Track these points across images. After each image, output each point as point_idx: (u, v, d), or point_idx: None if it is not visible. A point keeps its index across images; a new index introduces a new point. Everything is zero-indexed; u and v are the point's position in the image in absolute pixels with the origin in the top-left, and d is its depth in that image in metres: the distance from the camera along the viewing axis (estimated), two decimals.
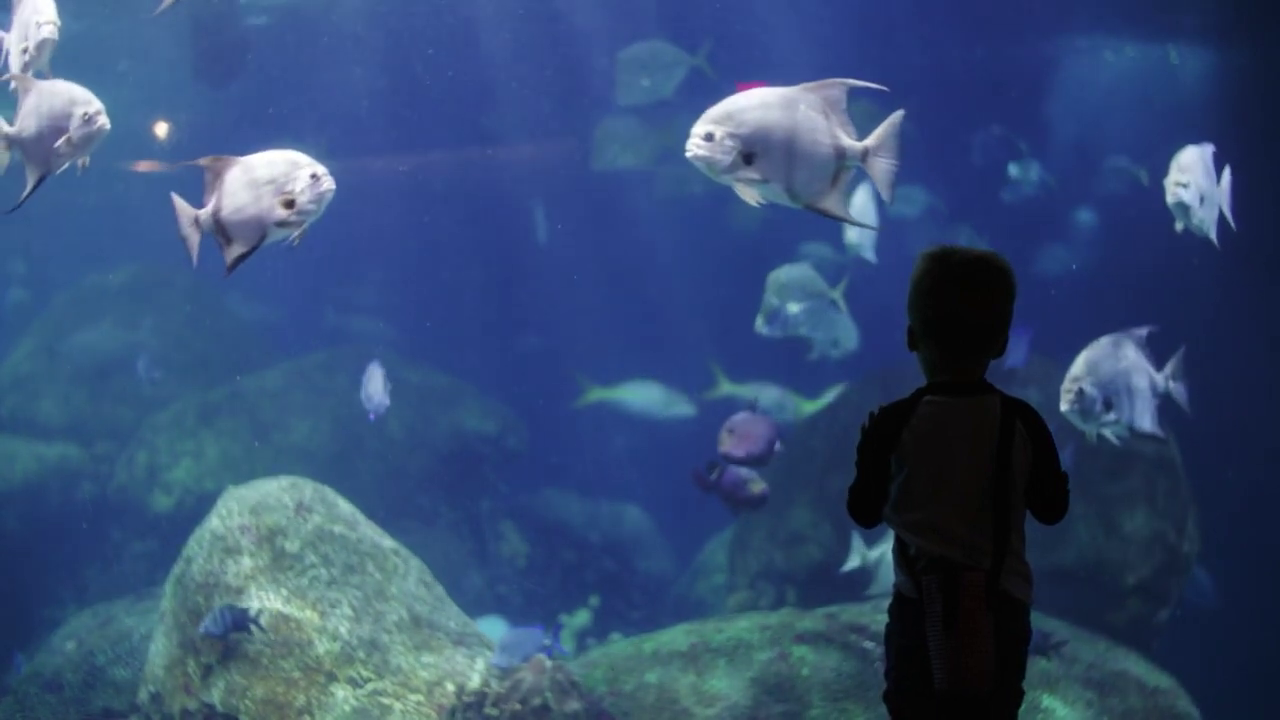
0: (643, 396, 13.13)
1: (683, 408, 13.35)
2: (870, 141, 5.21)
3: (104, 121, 5.84)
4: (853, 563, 9.42)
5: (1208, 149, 7.14)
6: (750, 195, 5.26)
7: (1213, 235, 7.16)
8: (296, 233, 5.42)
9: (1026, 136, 15.23)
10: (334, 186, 5.39)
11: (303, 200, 5.33)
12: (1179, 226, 7.14)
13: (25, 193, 6.05)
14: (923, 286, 3.75)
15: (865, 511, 3.83)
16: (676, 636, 8.76)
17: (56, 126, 5.86)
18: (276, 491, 8.73)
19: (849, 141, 5.21)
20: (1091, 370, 6.80)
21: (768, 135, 5.18)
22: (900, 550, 3.80)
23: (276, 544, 8.38)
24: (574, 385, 14.29)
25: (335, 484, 9.27)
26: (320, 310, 18.46)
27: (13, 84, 6.06)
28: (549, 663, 8.06)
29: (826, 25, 13.76)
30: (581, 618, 13.27)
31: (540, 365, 16.88)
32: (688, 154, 5.25)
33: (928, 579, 3.64)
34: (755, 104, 5.21)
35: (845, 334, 12.49)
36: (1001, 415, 3.71)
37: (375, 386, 10.11)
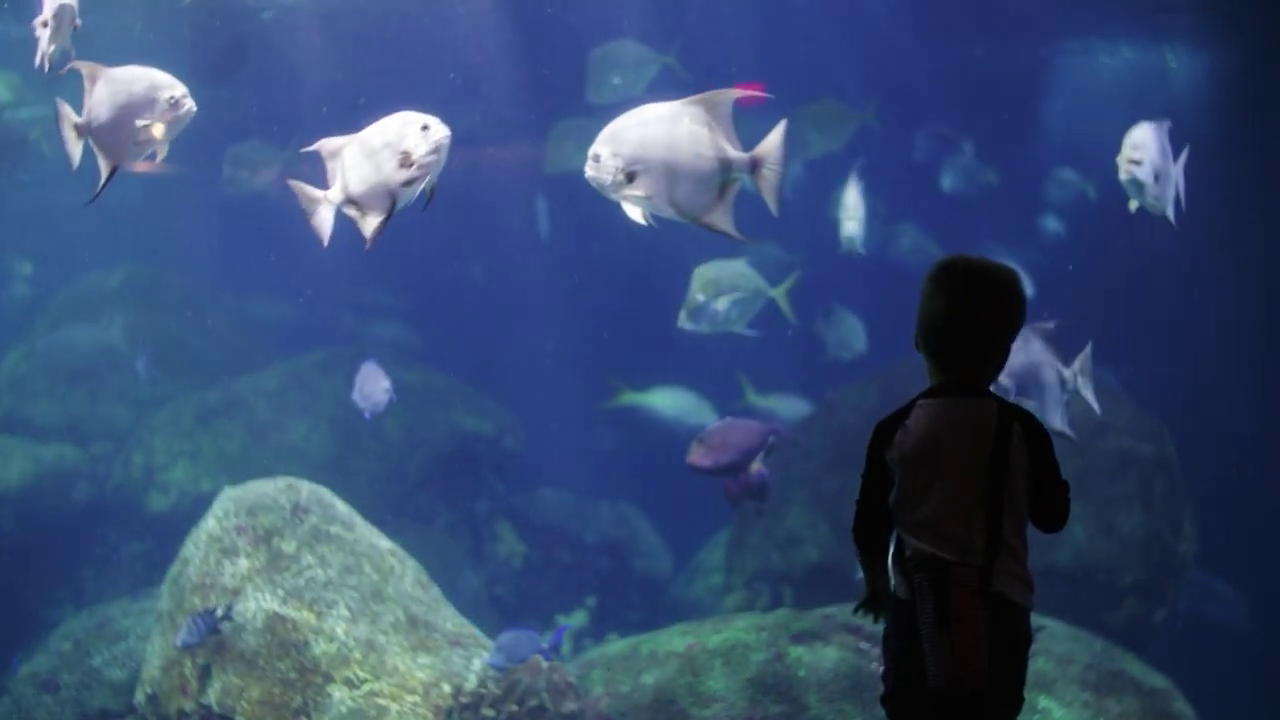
0: (673, 403, 13.06)
1: (710, 416, 13.32)
2: (757, 151, 5.17)
3: (191, 105, 5.68)
4: None
5: (1163, 125, 6.91)
6: (636, 213, 5.30)
7: (1169, 214, 6.95)
8: (423, 186, 5.35)
9: (1021, 139, 15.25)
10: (447, 132, 5.32)
11: (419, 154, 5.27)
12: (1133, 206, 6.92)
13: (100, 184, 5.85)
14: (926, 291, 3.82)
15: (867, 527, 3.85)
16: (673, 637, 8.76)
17: (136, 113, 5.64)
18: (273, 492, 8.73)
19: (733, 153, 5.17)
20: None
21: (647, 153, 5.21)
22: (896, 552, 3.82)
23: (273, 545, 8.38)
24: (570, 386, 14.26)
25: (332, 485, 9.28)
26: (336, 314, 18.35)
27: (47, 71, 5.86)
28: (545, 664, 8.06)
29: (824, 28, 13.77)
30: (578, 618, 13.27)
31: (543, 366, 16.86)
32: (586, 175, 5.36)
33: (919, 576, 3.66)
34: (637, 122, 5.26)
35: (854, 336, 12.49)
36: (998, 417, 3.72)
37: (371, 386, 10.11)
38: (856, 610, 4.02)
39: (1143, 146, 6.80)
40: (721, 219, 5.26)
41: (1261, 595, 12.21)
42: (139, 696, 8.42)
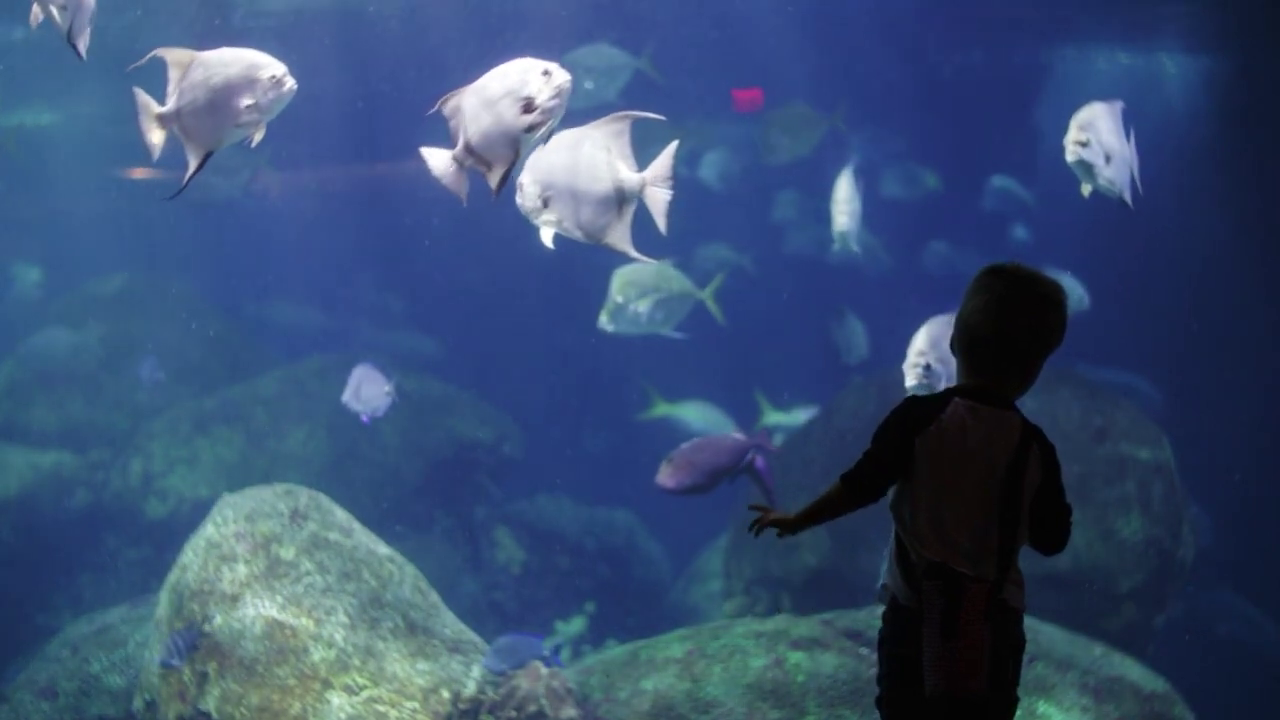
0: (701, 417, 13.06)
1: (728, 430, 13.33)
2: (647, 173, 5.39)
3: (292, 83, 5.54)
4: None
5: (1116, 105, 6.70)
6: (548, 237, 5.55)
7: (1126, 197, 6.73)
8: (543, 131, 5.31)
9: (1017, 143, 15.27)
10: (568, 77, 5.29)
11: (542, 99, 5.22)
12: (1085, 190, 6.76)
13: (189, 173, 5.69)
14: (968, 289, 3.85)
15: (866, 484, 3.80)
16: (672, 643, 8.75)
17: (235, 96, 5.49)
18: (271, 499, 8.73)
19: (626, 174, 5.39)
20: (935, 346, 6.56)
21: (554, 179, 5.48)
22: (899, 558, 3.80)
23: (271, 551, 8.38)
24: (575, 394, 14.25)
25: (330, 491, 9.27)
26: (353, 321, 18.30)
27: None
28: (544, 670, 8.06)
29: (822, 33, 13.80)
30: (577, 624, 13.26)
31: (550, 374, 16.86)
32: None
33: (930, 584, 3.65)
34: (550, 150, 5.46)
35: (858, 340, 12.50)
36: (1020, 435, 3.72)
37: (369, 389, 10.11)
38: (755, 525, 3.97)
39: (1090, 126, 6.57)
40: (620, 239, 5.49)
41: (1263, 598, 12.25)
42: (137, 703, 8.41)
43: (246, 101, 5.52)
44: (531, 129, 5.27)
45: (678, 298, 9.90)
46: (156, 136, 5.68)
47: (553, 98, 5.24)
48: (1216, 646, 11.67)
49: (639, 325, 9.77)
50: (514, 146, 5.30)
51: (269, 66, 5.54)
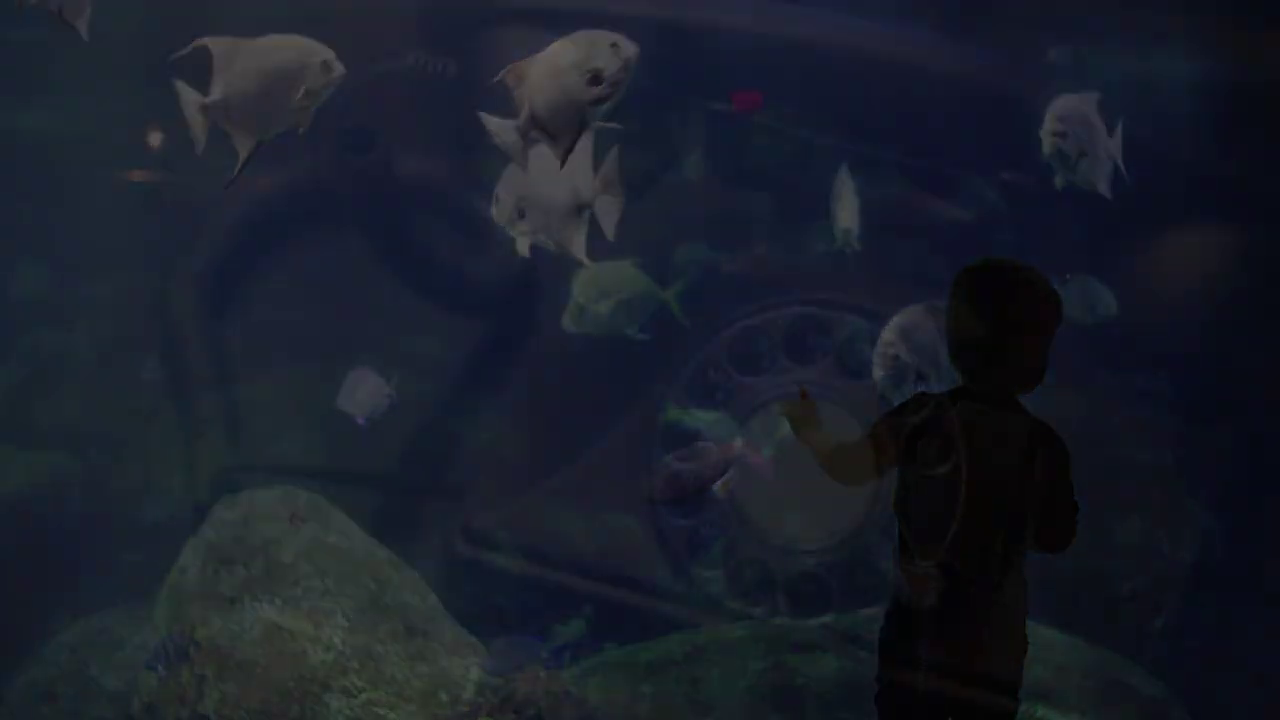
0: (713, 424, 13.04)
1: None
2: (596, 182, 5.62)
3: (341, 68, 5.50)
4: None
5: (1090, 97, 6.86)
6: (524, 246, 5.87)
7: (1103, 188, 6.85)
8: (610, 105, 5.31)
9: (1013, 146, 15.25)
10: (636, 50, 5.27)
11: (609, 71, 5.20)
12: (1059, 182, 6.87)
13: (239, 164, 5.64)
14: (950, 292, 3.79)
15: (856, 470, 3.80)
16: (671, 646, 8.76)
17: (288, 82, 5.42)
18: (270, 501, 8.74)
19: (580, 183, 5.65)
20: (905, 337, 6.58)
21: (527, 190, 5.74)
22: (902, 558, 3.80)
23: (270, 554, 8.38)
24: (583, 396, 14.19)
25: (330, 493, 9.27)
26: (357, 323, 18.22)
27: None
28: (543, 673, 8.06)
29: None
30: (576, 628, 13.24)
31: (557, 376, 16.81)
32: None
33: (932, 586, 3.65)
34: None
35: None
36: (1028, 438, 3.70)
37: (366, 391, 10.12)
38: (784, 403, 4.03)
39: (1066, 119, 6.73)
40: (576, 247, 5.77)
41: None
42: (135, 706, 8.40)
43: (299, 88, 5.44)
44: (598, 102, 5.27)
45: (639, 298, 9.91)
46: (201, 129, 5.59)
47: (620, 70, 5.24)
48: (1219, 652, 11.65)
49: (600, 326, 9.82)
50: (580, 118, 5.29)
51: (320, 51, 5.50)
